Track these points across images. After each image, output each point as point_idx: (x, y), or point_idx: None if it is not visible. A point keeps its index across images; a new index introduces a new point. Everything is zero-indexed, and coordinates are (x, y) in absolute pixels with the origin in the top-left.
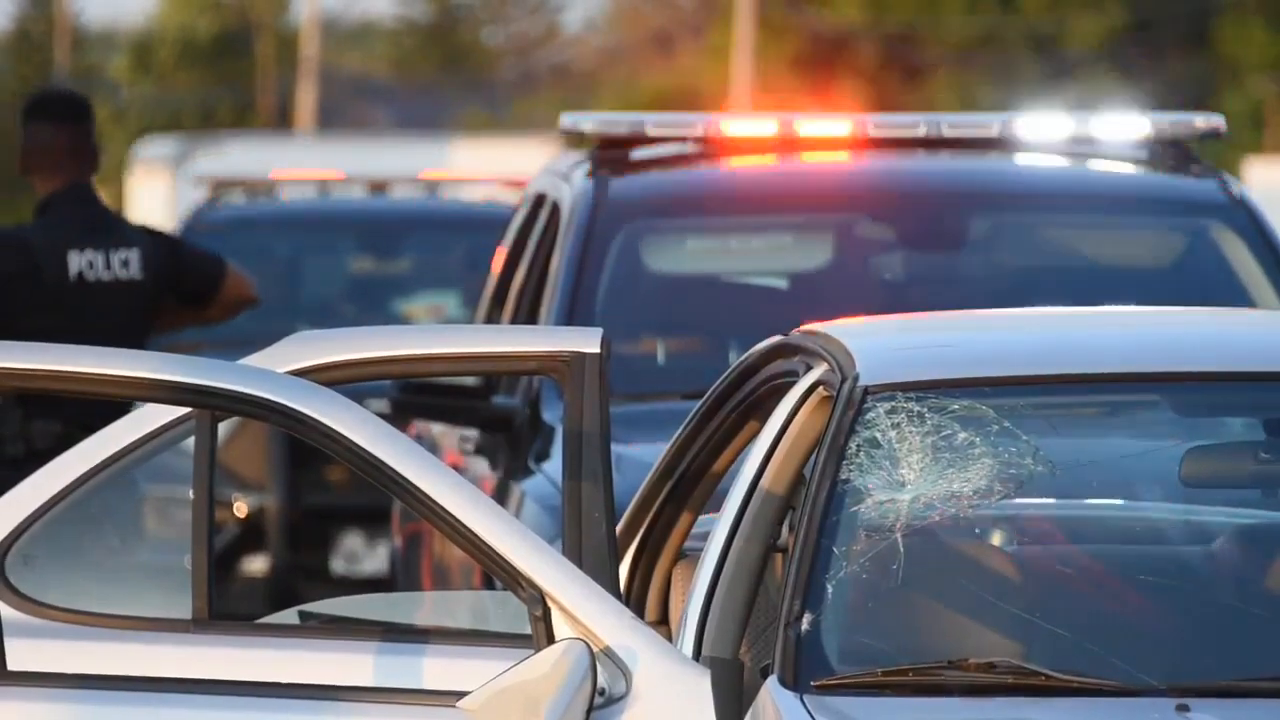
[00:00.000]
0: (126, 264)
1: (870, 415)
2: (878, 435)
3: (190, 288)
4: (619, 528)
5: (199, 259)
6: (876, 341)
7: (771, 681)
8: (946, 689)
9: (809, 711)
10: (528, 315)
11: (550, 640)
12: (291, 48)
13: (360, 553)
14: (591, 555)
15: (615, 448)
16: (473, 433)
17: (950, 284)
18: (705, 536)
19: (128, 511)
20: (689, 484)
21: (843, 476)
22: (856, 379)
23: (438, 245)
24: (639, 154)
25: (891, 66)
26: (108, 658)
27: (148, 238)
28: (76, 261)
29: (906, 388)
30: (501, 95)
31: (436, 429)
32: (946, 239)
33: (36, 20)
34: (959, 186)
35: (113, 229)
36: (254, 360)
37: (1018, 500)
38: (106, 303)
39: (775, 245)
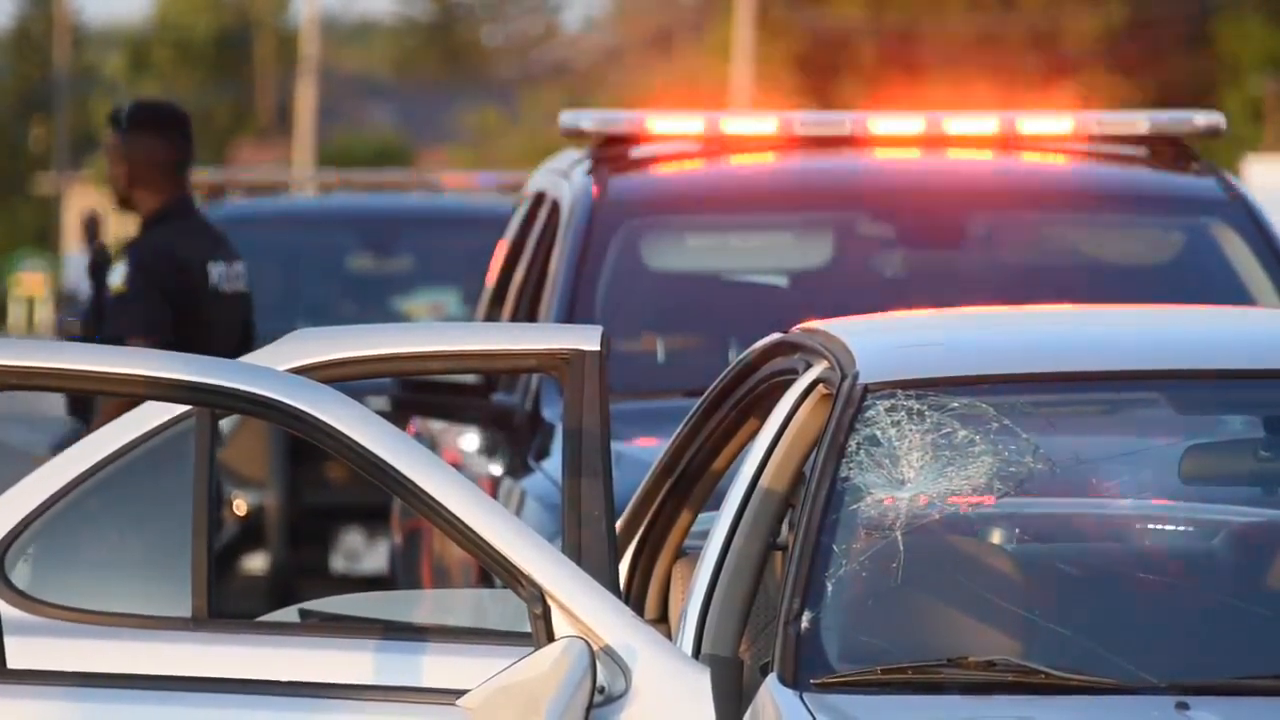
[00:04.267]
0: (240, 276)
1: (870, 413)
2: (877, 433)
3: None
4: (619, 525)
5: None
6: (876, 339)
7: (771, 679)
8: (946, 687)
9: (809, 710)
10: (528, 313)
11: (550, 638)
12: (291, 47)
13: (360, 551)
14: (591, 553)
15: (615, 445)
16: (472, 431)
17: (950, 282)
18: (705, 534)
19: (127, 509)
20: (689, 482)
21: (842, 474)
22: (856, 377)
23: (437, 243)
24: (639, 152)
25: (891, 65)
26: (107, 656)
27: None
28: (214, 271)
29: (906, 385)
30: (502, 94)
31: (436, 427)
32: (946, 237)
33: (36, 19)
34: (959, 184)
35: (225, 240)
36: (254, 358)
37: (1017, 498)
38: (231, 313)
39: (775, 243)
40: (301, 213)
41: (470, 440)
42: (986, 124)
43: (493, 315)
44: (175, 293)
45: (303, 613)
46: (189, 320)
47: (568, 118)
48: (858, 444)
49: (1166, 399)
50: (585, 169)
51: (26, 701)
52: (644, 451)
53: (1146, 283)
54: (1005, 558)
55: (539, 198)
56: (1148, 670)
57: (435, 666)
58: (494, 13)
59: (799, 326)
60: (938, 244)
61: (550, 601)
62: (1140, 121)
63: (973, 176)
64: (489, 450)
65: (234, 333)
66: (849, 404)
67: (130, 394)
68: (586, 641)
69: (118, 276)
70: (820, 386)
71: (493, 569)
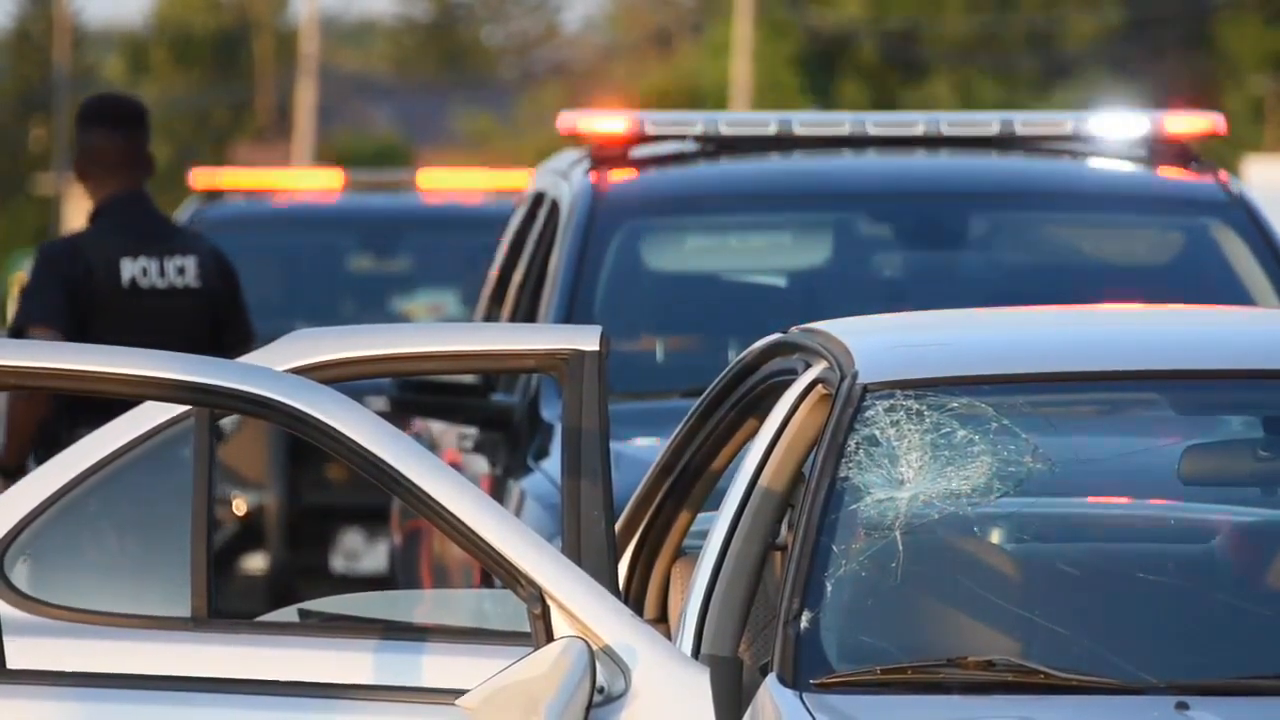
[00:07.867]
0: (183, 271)
1: (869, 413)
2: (876, 433)
3: (221, 336)
4: (618, 526)
5: (241, 313)
6: (875, 339)
7: (771, 680)
8: (946, 687)
9: (808, 710)
10: (527, 313)
11: (549, 638)
12: (290, 47)
13: (360, 551)
14: (590, 553)
15: (614, 446)
16: (472, 431)
17: (949, 282)
18: (704, 534)
19: (126, 509)
20: (688, 482)
21: (842, 474)
22: (855, 377)
23: (437, 244)
24: (639, 152)
25: (891, 65)
26: (107, 656)
27: (207, 248)
28: (129, 268)
29: (905, 385)
30: (502, 94)
31: (436, 427)
32: (945, 237)
33: (36, 20)
34: (958, 185)
35: (168, 236)
36: (253, 358)
37: (1017, 498)
38: (162, 310)
39: (774, 243)
40: (301, 213)
41: (470, 440)
42: (986, 125)
43: (492, 315)
44: (79, 288)
45: (302, 613)
46: (100, 315)
47: (566, 118)
48: (857, 444)
49: (1166, 399)
50: (585, 169)
51: (26, 701)
52: (643, 451)
53: (1146, 283)
54: (1005, 558)
55: (538, 198)
56: (1148, 670)
57: (435, 666)
58: (494, 13)
59: (798, 327)
60: (936, 244)
61: (550, 601)
62: (1140, 122)
63: (972, 177)
64: (488, 450)
65: (166, 327)
66: (848, 404)
67: (130, 394)
68: (586, 641)
69: (28, 270)
70: (819, 387)
71: (492, 569)
